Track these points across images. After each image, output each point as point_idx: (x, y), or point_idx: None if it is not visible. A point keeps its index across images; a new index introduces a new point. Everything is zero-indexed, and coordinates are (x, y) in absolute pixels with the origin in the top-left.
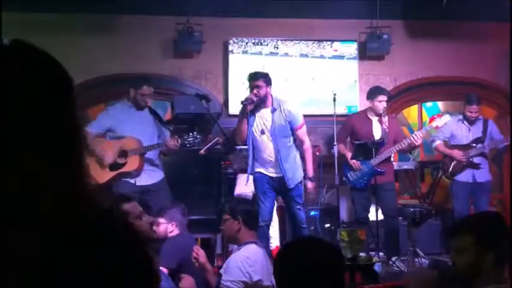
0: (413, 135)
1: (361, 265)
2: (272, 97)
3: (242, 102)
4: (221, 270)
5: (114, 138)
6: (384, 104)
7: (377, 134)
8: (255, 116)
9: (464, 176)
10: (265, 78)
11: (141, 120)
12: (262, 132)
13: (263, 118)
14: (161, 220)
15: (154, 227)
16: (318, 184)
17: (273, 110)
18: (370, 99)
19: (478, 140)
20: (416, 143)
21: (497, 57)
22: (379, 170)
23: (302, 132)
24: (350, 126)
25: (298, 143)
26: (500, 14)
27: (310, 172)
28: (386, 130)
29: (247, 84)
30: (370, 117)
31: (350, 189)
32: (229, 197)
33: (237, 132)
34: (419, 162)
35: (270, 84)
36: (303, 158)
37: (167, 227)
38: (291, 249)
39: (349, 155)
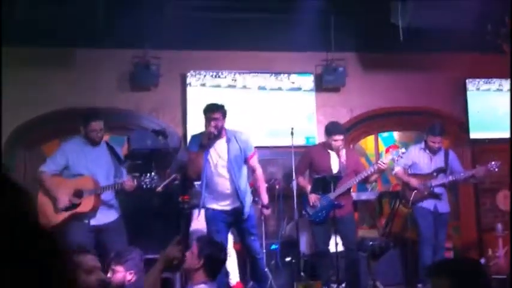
0: (380, 160)
1: None
2: (225, 129)
3: (202, 140)
4: None
5: (70, 177)
6: (340, 143)
7: (335, 167)
8: (209, 149)
9: (426, 204)
10: (222, 110)
11: (97, 157)
12: (217, 164)
13: (217, 150)
14: (118, 268)
15: (110, 274)
16: (278, 217)
17: (228, 141)
18: (327, 136)
19: (440, 170)
20: (382, 167)
21: (451, 87)
22: (337, 203)
23: (254, 160)
24: (309, 159)
25: (250, 171)
26: (451, 45)
27: (265, 200)
28: (344, 163)
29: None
30: (329, 151)
31: (310, 223)
32: (187, 233)
33: (192, 167)
34: (379, 193)
35: (226, 116)
36: (253, 185)
37: (125, 275)
38: None
39: (308, 187)
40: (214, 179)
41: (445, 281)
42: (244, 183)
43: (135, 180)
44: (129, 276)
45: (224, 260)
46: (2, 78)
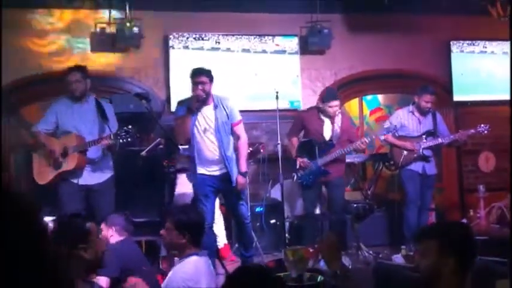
0: (360, 141)
1: (306, 285)
2: (212, 95)
3: (190, 104)
4: (162, 285)
5: (60, 136)
6: (336, 109)
7: (327, 134)
8: (196, 115)
9: (414, 167)
10: (209, 74)
11: (83, 114)
12: (205, 130)
13: (205, 116)
14: (102, 227)
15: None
16: (263, 180)
17: (215, 107)
18: (322, 103)
19: (429, 133)
20: (361, 147)
21: (435, 50)
22: (324, 170)
23: (240, 128)
24: (301, 122)
25: (235, 138)
26: (437, 7)
27: (243, 167)
28: (338, 130)
29: (189, 79)
30: (322, 117)
31: (299, 185)
32: (172, 197)
33: (180, 131)
34: (366, 157)
35: (213, 81)
36: (236, 151)
37: (107, 232)
38: (236, 281)
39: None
40: (202, 145)
41: (433, 242)
42: (231, 150)
43: (111, 136)
44: (111, 232)
45: (203, 222)
46: None
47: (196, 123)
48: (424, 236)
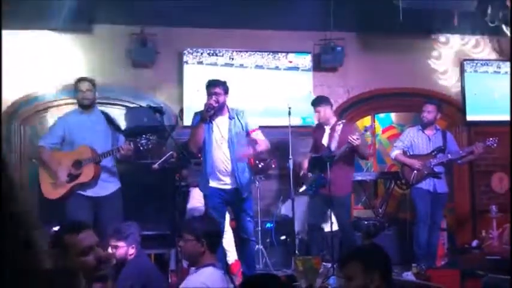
0: (349, 136)
1: None
2: (228, 107)
3: (203, 112)
4: None
5: (69, 149)
6: (321, 114)
7: (325, 142)
8: (211, 125)
9: (425, 185)
10: (224, 85)
11: (92, 126)
12: (219, 141)
13: (220, 127)
14: (120, 244)
15: (113, 250)
16: (274, 196)
17: (231, 118)
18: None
19: (439, 150)
20: (354, 143)
21: (448, 69)
22: (324, 177)
23: (258, 134)
24: (313, 138)
25: (254, 146)
26: (452, 28)
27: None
28: (337, 138)
29: (202, 92)
30: (324, 127)
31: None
32: (183, 211)
33: (193, 139)
34: (377, 174)
35: (228, 93)
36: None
37: (127, 250)
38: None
39: (304, 167)
40: (216, 155)
41: (358, 264)
42: (243, 164)
43: (132, 144)
44: (131, 251)
45: (219, 230)
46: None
47: (212, 134)
48: (348, 260)
